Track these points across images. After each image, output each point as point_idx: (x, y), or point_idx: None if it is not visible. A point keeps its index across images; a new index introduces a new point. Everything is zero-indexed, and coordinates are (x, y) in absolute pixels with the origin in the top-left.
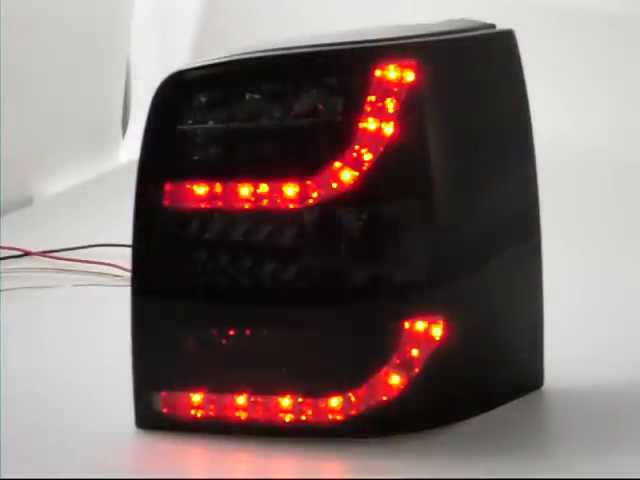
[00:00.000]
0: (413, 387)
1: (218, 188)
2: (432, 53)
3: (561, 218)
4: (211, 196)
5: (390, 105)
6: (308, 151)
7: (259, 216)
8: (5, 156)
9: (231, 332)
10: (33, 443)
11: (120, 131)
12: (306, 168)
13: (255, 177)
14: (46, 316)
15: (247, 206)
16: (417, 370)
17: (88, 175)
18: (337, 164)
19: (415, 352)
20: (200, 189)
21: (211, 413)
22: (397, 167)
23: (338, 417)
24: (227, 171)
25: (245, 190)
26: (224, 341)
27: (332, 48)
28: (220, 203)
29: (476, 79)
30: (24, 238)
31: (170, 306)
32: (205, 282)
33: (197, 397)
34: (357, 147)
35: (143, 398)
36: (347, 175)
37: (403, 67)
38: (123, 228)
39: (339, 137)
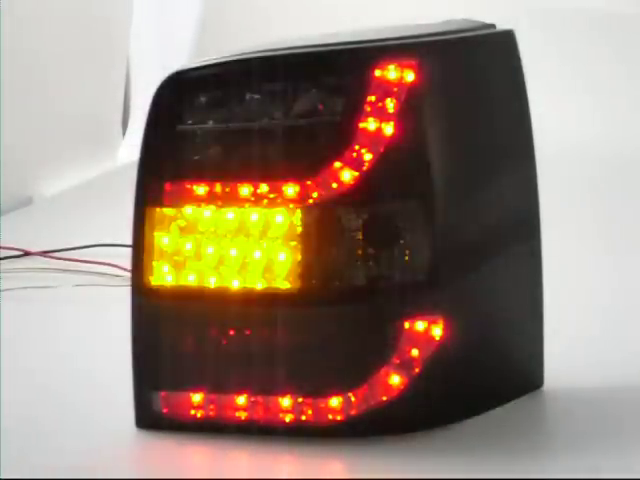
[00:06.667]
0: (413, 387)
1: (218, 188)
2: (432, 53)
3: (561, 218)
4: (211, 196)
5: (390, 105)
6: (308, 151)
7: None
8: (5, 156)
9: (231, 332)
10: (33, 443)
11: (120, 131)
12: (306, 168)
13: (255, 177)
14: (46, 316)
15: (247, 205)
16: (417, 370)
17: (88, 175)
18: (337, 164)
19: (415, 352)
20: (200, 189)
21: (211, 413)
22: (397, 167)
23: (338, 417)
24: (227, 171)
25: (245, 190)
26: (224, 341)
27: (332, 48)
28: (220, 203)
29: (476, 79)
30: (24, 238)
31: (170, 306)
32: (206, 282)
33: (197, 397)
34: (357, 147)
35: (143, 398)
36: (347, 175)
37: (403, 67)
38: (123, 228)
39: (339, 137)
